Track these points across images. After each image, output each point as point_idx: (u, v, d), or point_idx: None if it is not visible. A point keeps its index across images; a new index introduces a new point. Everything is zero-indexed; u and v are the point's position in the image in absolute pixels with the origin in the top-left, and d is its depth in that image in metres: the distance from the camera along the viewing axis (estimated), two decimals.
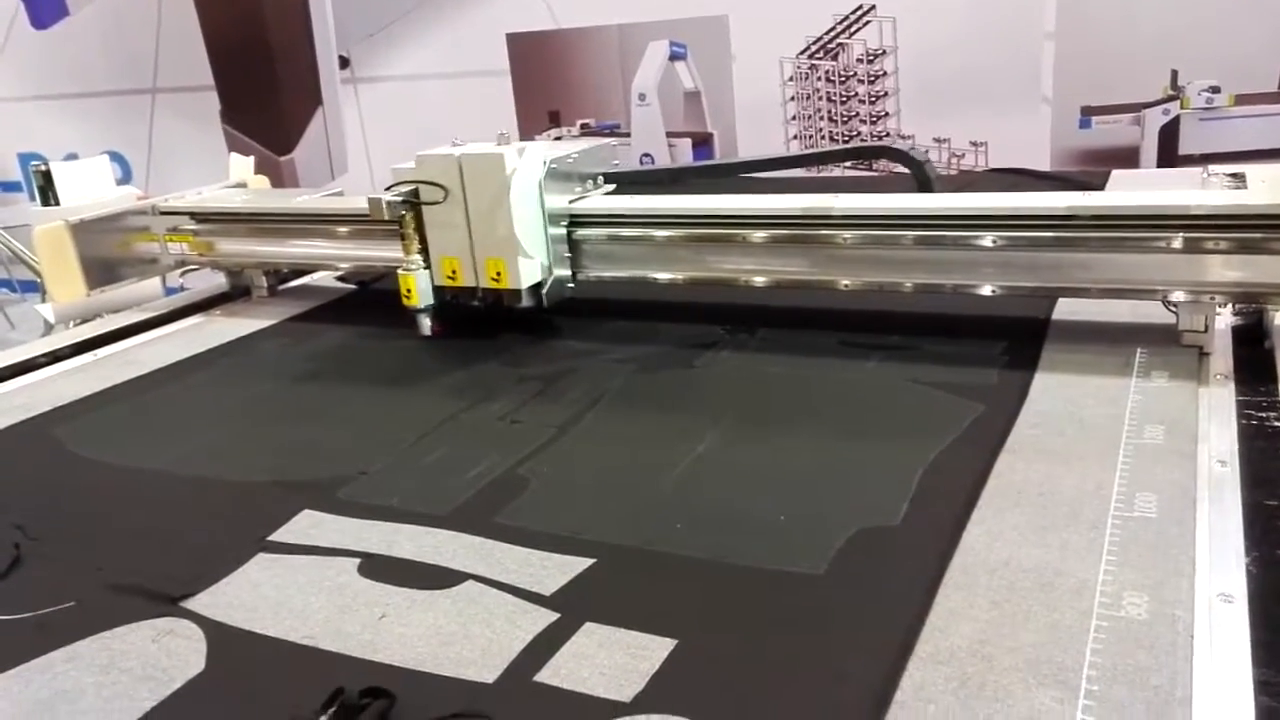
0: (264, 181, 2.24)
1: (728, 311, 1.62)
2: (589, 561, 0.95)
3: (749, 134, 4.03)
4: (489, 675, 0.80)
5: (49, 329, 2.63)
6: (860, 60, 3.79)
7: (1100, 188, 2.21)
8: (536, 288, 1.57)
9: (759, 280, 1.51)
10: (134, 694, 0.81)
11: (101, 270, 1.96)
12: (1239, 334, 1.34)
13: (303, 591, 0.95)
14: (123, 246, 2.00)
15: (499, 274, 1.55)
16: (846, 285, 1.45)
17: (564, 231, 1.60)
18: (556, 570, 0.94)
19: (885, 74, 3.77)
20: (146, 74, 5.03)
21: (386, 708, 0.76)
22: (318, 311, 1.95)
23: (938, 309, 1.51)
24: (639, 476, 1.13)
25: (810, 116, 3.96)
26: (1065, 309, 1.48)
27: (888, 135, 3.84)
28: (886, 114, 3.82)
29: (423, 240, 1.58)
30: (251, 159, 2.81)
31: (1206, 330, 1.29)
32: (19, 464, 1.35)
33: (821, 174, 3.91)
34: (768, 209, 1.48)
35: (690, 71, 4.03)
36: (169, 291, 2.30)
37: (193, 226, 1.98)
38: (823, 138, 3.96)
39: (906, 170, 1.67)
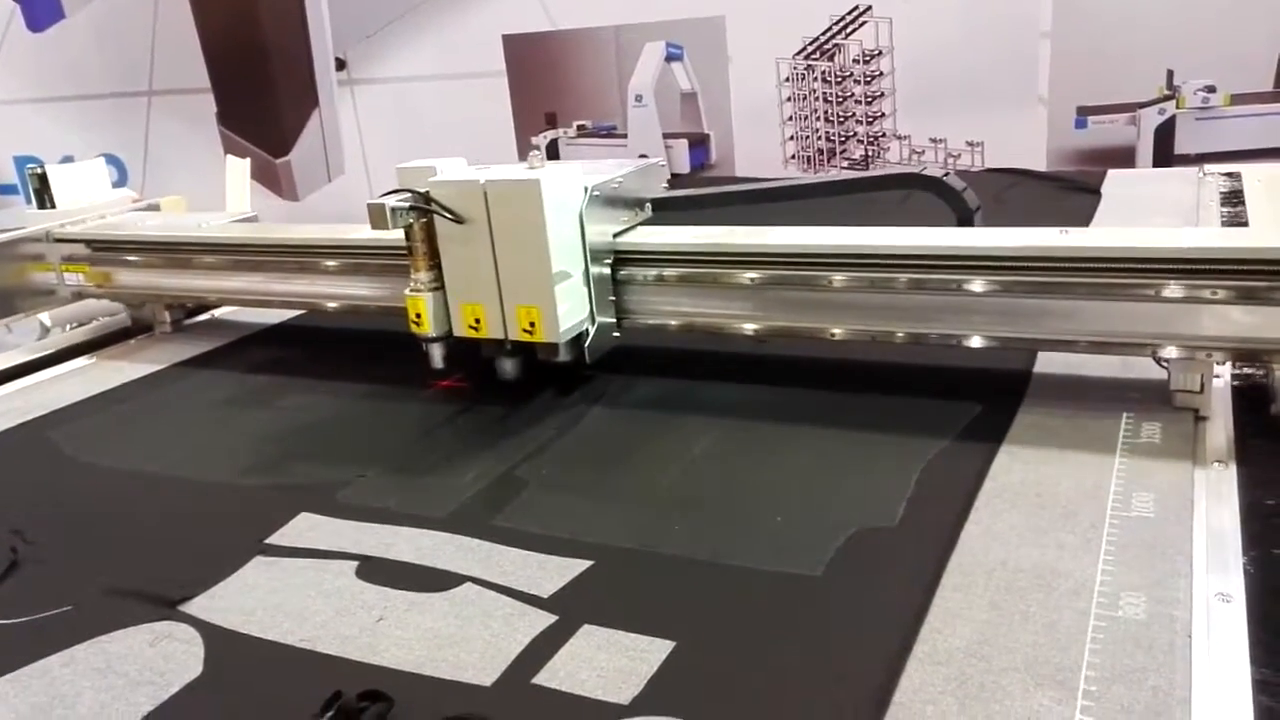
0: (179, 205, 2.05)
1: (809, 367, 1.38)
2: (587, 564, 0.95)
3: (746, 135, 4.03)
4: (487, 678, 0.80)
5: (45, 332, 2.62)
6: (856, 61, 3.79)
7: (1096, 189, 2.22)
8: (577, 339, 1.32)
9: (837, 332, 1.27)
10: (131, 698, 0.81)
11: None
12: (1243, 396, 1.16)
13: (300, 594, 0.95)
14: (16, 276, 1.82)
15: (533, 324, 1.28)
16: (835, 335, 1.26)
17: (608, 271, 1.35)
18: (555, 572, 0.94)
19: (881, 74, 3.77)
20: (142, 76, 5.02)
21: (385, 711, 0.75)
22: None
23: (899, 359, 1.32)
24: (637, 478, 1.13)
25: (806, 117, 3.96)
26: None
27: (883, 136, 3.85)
28: (883, 114, 3.82)
29: (434, 255, 1.31)
30: (248, 161, 2.79)
31: (1202, 390, 1.12)
32: (13, 468, 1.34)
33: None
34: (836, 246, 1.26)
35: (687, 72, 4.03)
36: None
37: (89, 255, 1.79)
38: (818, 138, 3.96)
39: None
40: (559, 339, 1.28)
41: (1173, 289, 1.07)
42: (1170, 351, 1.11)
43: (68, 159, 5.03)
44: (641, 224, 1.42)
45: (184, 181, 4.90)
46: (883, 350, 1.25)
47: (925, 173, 1.42)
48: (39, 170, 3.28)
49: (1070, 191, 2.25)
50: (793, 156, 4.01)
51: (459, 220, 1.27)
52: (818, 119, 3.95)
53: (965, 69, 3.57)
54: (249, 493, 1.18)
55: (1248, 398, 1.16)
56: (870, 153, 3.90)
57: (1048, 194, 2.29)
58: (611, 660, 0.81)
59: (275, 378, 1.59)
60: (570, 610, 0.88)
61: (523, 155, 4.72)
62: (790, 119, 3.97)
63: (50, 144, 5.13)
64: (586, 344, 1.33)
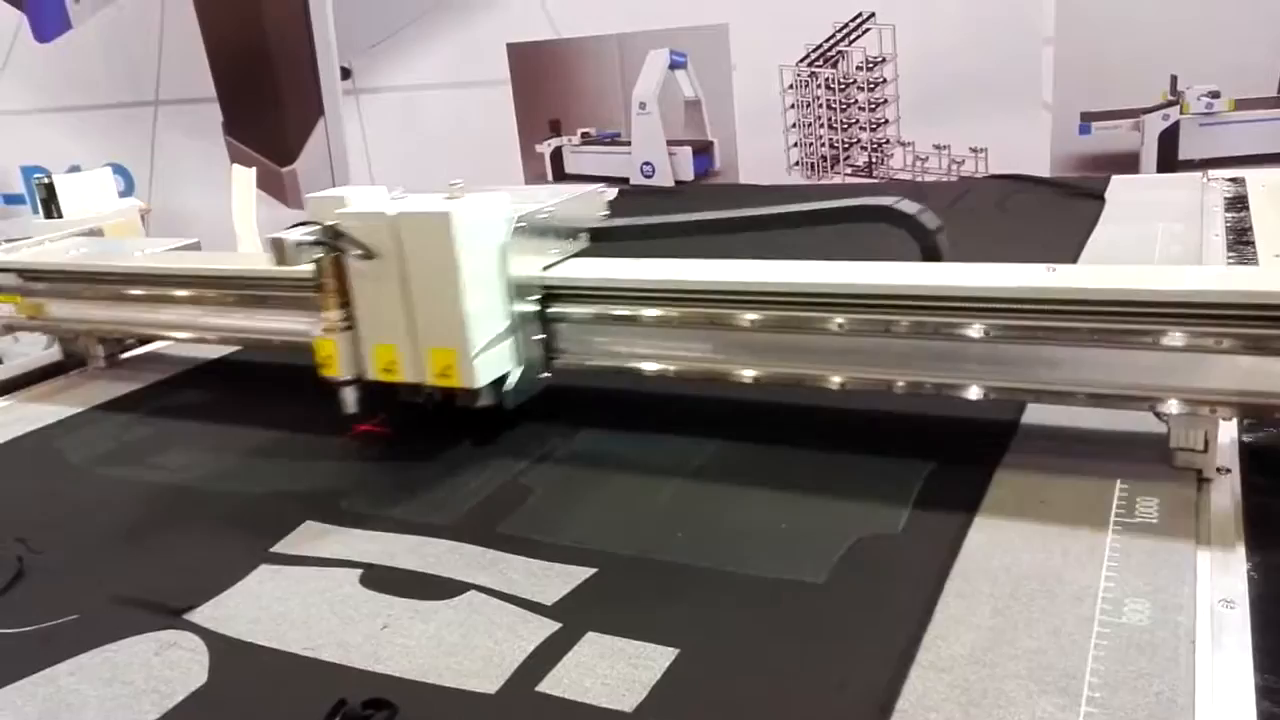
0: (132, 228, 1.91)
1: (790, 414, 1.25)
2: (590, 571, 0.96)
3: (750, 142, 4.04)
4: (491, 686, 0.80)
5: (51, 341, 2.61)
6: (860, 68, 3.80)
7: (1100, 194, 2.22)
8: (499, 382, 1.22)
9: (745, 380, 1.18)
10: (136, 707, 0.81)
11: None
12: (1253, 455, 1.04)
13: (305, 603, 0.95)
14: None
15: (447, 369, 1.18)
16: (840, 383, 1.14)
17: (534, 308, 1.24)
18: (558, 580, 0.95)
19: (885, 81, 3.78)
20: (149, 86, 5.05)
21: (389, 719, 0.76)
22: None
23: (865, 406, 1.19)
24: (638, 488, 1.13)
25: (810, 124, 3.97)
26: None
27: (887, 142, 3.85)
28: (886, 121, 3.82)
29: (344, 295, 1.20)
30: (253, 170, 2.79)
31: (1206, 449, 1.00)
32: (19, 476, 1.35)
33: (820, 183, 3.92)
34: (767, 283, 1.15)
35: (690, 80, 4.04)
36: None
37: (19, 285, 1.68)
38: (823, 145, 3.97)
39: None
40: (475, 384, 1.18)
41: (1173, 336, 0.96)
42: (1170, 406, 0.99)
43: (75, 169, 5.07)
44: (576, 256, 1.32)
45: (190, 191, 4.92)
46: (844, 397, 1.14)
47: (882, 204, 1.29)
48: (46, 180, 3.25)
49: (1074, 197, 2.25)
50: (796, 163, 4.02)
51: (368, 255, 1.17)
52: (821, 126, 3.96)
53: (969, 75, 3.57)
54: (252, 500, 1.19)
55: (1260, 457, 1.03)
56: (874, 159, 3.91)
57: (1051, 200, 2.29)
58: (615, 668, 0.81)
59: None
60: (574, 618, 0.88)
61: (527, 163, 4.73)
62: (794, 126, 3.97)
63: (57, 154, 5.16)
64: (505, 389, 1.22)
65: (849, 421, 1.21)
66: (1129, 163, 3.41)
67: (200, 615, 0.94)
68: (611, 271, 1.26)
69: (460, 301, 1.15)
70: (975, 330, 1.05)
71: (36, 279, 1.66)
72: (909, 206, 1.25)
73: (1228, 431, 1.04)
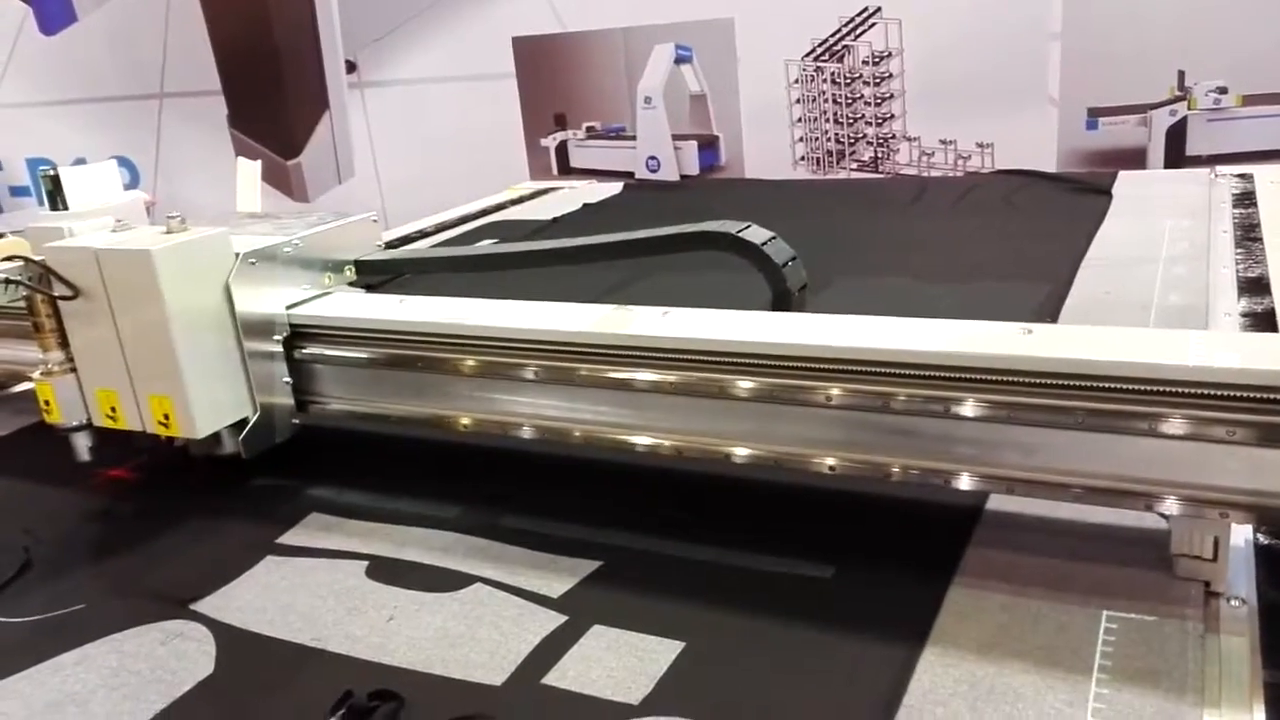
0: (139, 217, 1.73)
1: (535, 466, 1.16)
2: (596, 564, 0.95)
3: (755, 137, 4.03)
4: (497, 678, 0.80)
5: None
6: (866, 62, 3.79)
7: (1108, 189, 2.21)
8: (239, 427, 1.13)
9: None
10: (143, 696, 0.81)
11: None
12: (1269, 561, 0.85)
13: (311, 594, 0.95)
14: None
15: (167, 416, 1.09)
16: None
17: (278, 348, 1.16)
18: (565, 572, 0.94)
19: (891, 76, 3.77)
20: (154, 79, 5.05)
21: (395, 710, 0.76)
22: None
23: (782, 479, 1.01)
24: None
25: (816, 119, 3.96)
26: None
27: (893, 137, 3.84)
28: (892, 116, 3.81)
29: (64, 336, 1.12)
30: (259, 163, 2.80)
31: (1215, 558, 0.81)
32: (28, 468, 1.35)
33: (822, 177, 3.91)
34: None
35: (696, 74, 4.04)
36: None
37: None
38: (828, 140, 3.96)
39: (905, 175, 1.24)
40: (195, 434, 1.08)
41: (1175, 423, 0.78)
42: (1170, 506, 0.81)
43: (80, 161, 5.08)
44: (334, 292, 1.22)
45: (195, 184, 4.93)
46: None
47: (723, 230, 1.11)
48: (51, 172, 3.29)
49: (1081, 193, 2.25)
50: (802, 158, 4.01)
51: (74, 293, 1.07)
52: (827, 120, 3.95)
53: (975, 70, 3.56)
54: (259, 492, 1.19)
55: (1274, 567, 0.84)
56: (880, 154, 3.90)
57: (1058, 196, 2.29)
58: (621, 660, 0.81)
59: None
60: (580, 610, 0.88)
61: (532, 157, 4.71)
62: (800, 120, 3.97)
63: (62, 146, 5.15)
64: (243, 436, 1.12)
65: (762, 484, 1.04)
66: (1136, 158, 3.40)
67: (207, 605, 0.94)
68: (370, 310, 1.16)
69: (171, 345, 1.05)
70: (936, 405, 0.85)
71: None
72: (756, 234, 1.10)
73: (1242, 534, 0.85)
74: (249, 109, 4.84)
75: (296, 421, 1.19)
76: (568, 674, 0.80)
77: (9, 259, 1.10)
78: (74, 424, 1.14)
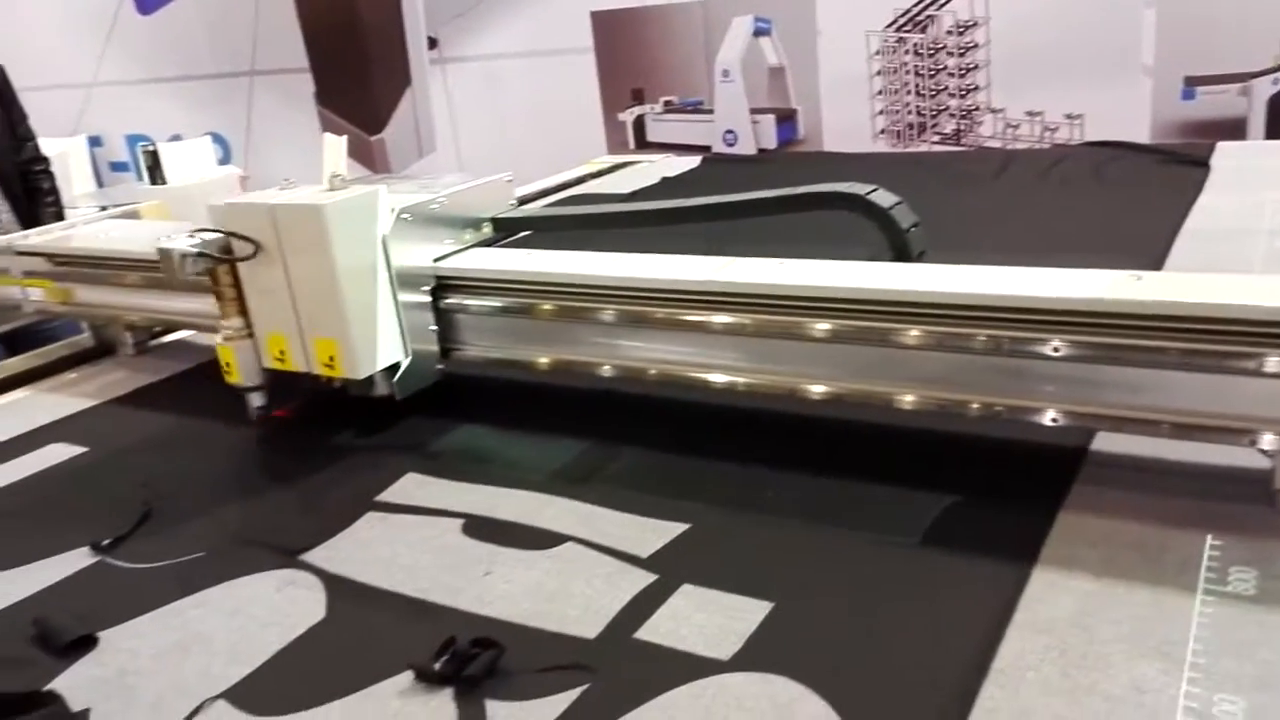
0: (162, 211, 1.83)
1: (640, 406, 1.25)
2: (684, 526, 0.98)
3: (834, 110, 3.98)
4: (591, 631, 0.83)
5: None
6: (950, 32, 3.71)
7: (1205, 161, 2.14)
8: (392, 370, 1.23)
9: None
10: (262, 637, 0.87)
11: None
12: None
13: (411, 549, 0.99)
14: None
15: (332, 358, 1.19)
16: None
17: (426, 298, 1.25)
18: (653, 534, 0.97)
19: (976, 45, 3.68)
20: (245, 57, 5.20)
21: (496, 657, 0.79)
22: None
23: (897, 422, 1.07)
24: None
25: (897, 91, 3.90)
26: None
27: (977, 109, 3.76)
28: (977, 87, 3.73)
29: (243, 303, 1.23)
30: (345, 139, 2.87)
31: None
32: (144, 427, 1.42)
33: (906, 150, 3.85)
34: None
35: (775, 47, 4.00)
36: None
37: (49, 270, 1.64)
38: (909, 113, 3.89)
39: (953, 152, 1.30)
40: (357, 374, 1.18)
41: (1277, 362, 0.81)
42: (1272, 440, 0.84)
43: (176, 138, 5.27)
44: (477, 246, 1.30)
45: (284, 158, 5.06)
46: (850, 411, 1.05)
47: (851, 191, 1.16)
48: (151, 148, 3.40)
49: (1176, 165, 2.18)
50: (882, 131, 3.96)
51: (254, 248, 1.17)
52: (908, 92, 3.88)
53: (1065, 38, 3.46)
54: (355, 450, 1.24)
55: None
56: (962, 127, 3.82)
57: (1151, 168, 2.22)
58: (711, 618, 0.83)
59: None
60: (669, 570, 0.90)
61: (610, 131, 4.73)
62: (880, 93, 3.91)
63: (158, 123, 5.35)
64: (396, 379, 1.22)
65: (848, 441, 1.10)
66: (1235, 129, 3.27)
67: (315, 556, 0.99)
68: (510, 263, 1.24)
69: (338, 292, 1.15)
70: (1048, 347, 0.91)
71: (65, 264, 1.63)
72: (883, 198, 1.15)
73: None
74: (335, 85, 4.95)
75: (441, 367, 1.28)
76: (659, 629, 0.82)
77: (196, 232, 1.20)
78: (250, 385, 1.25)
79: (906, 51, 3.82)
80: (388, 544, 1.01)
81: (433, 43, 4.65)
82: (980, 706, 0.70)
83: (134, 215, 1.79)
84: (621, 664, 0.79)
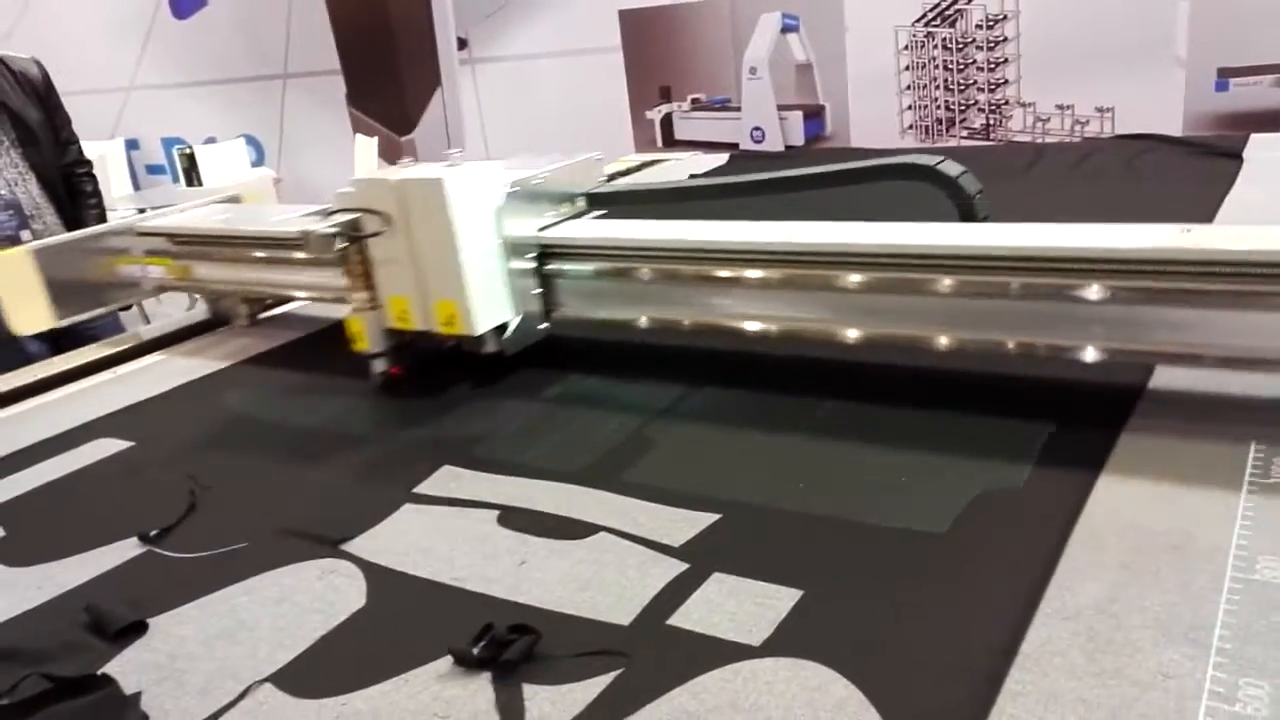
0: (268, 197, 2.02)
1: (736, 361, 1.37)
2: (715, 517, 1.00)
3: (862, 106, 3.98)
4: (624, 618, 0.85)
5: (194, 301, 2.77)
6: (979, 26, 3.69)
7: (1238, 153, 2.12)
8: (500, 331, 1.36)
9: (753, 326, 1.25)
10: (305, 624, 0.89)
11: (74, 296, 1.79)
12: None
13: (448, 539, 1.02)
14: (102, 270, 1.83)
15: (451, 318, 1.33)
16: (855, 337, 1.19)
17: (532, 265, 1.37)
18: (684, 524, 0.99)
19: (1005, 39, 3.67)
20: (278, 60, 5.28)
21: (533, 643, 0.81)
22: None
23: (979, 368, 1.19)
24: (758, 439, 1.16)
25: (925, 86, 3.88)
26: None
27: (1006, 103, 3.74)
28: (1006, 81, 3.71)
29: (369, 276, 1.38)
30: (375, 140, 2.90)
31: None
32: (188, 421, 1.46)
33: (934, 145, 3.83)
34: (763, 242, 1.22)
35: (802, 43, 4.00)
36: None
37: (169, 249, 1.81)
38: (938, 107, 3.88)
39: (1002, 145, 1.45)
40: (475, 331, 1.32)
41: None
42: None
43: (210, 140, 5.36)
44: (573, 218, 1.43)
45: (316, 160, 5.14)
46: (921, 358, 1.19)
47: (920, 162, 1.27)
48: (188, 150, 3.45)
49: (1209, 157, 2.16)
50: (910, 126, 3.94)
51: (385, 227, 1.32)
52: (937, 87, 3.87)
53: (1096, 30, 3.43)
54: (393, 445, 1.27)
55: None
56: (991, 121, 3.80)
57: (1184, 160, 2.20)
58: (742, 605, 0.85)
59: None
60: (701, 559, 0.92)
61: (638, 129, 4.76)
62: (908, 88, 3.90)
63: (193, 126, 5.44)
64: (506, 336, 1.35)
65: (961, 383, 1.22)
66: (1270, 120, 3.23)
67: (355, 546, 1.02)
68: (604, 231, 1.37)
69: (458, 258, 1.29)
70: (1101, 292, 1.03)
71: (184, 243, 1.79)
72: (951, 168, 1.25)
73: None
74: (366, 87, 5.02)
75: (543, 326, 1.40)
76: (691, 616, 0.84)
77: (320, 211, 1.36)
78: (375, 351, 1.39)
79: (935, 46, 3.80)
80: (425, 534, 1.03)
81: (462, 43, 4.70)
82: (1007, 690, 0.71)
83: (236, 199, 1.97)
84: (654, 650, 0.81)
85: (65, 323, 1.78)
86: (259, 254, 1.69)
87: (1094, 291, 1.03)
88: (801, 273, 1.20)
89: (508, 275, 1.36)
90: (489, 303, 1.34)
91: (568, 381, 1.39)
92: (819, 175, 1.33)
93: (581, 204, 1.46)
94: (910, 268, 1.13)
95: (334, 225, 1.32)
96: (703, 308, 1.29)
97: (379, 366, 1.40)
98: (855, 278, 1.16)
